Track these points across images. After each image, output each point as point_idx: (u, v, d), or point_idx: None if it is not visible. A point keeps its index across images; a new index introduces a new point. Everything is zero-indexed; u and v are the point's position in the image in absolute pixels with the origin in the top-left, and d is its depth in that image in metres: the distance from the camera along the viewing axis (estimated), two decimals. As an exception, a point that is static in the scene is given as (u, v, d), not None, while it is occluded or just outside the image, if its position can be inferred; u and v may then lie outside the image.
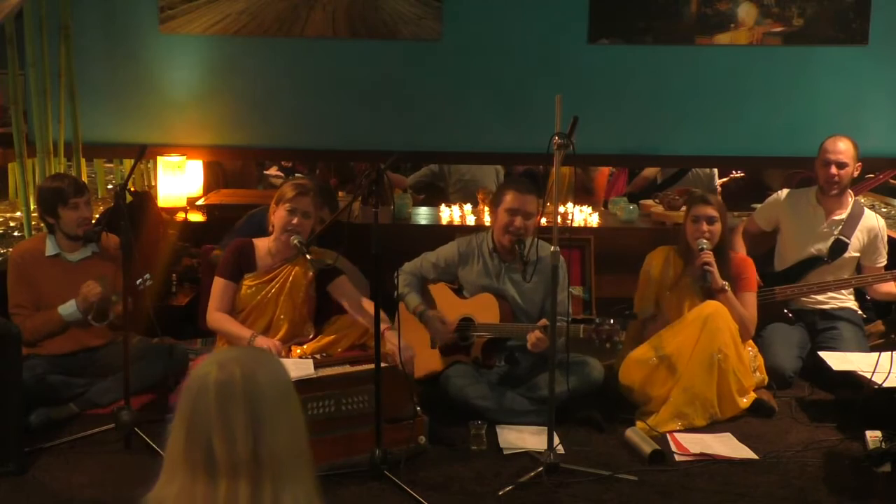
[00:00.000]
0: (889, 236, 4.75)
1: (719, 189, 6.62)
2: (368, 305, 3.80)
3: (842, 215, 4.58)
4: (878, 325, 4.74)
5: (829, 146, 4.54)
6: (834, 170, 4.50)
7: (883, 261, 4.61)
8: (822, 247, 4.57)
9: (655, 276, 4.28)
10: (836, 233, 4.56)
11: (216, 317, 3.90)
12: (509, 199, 4.03)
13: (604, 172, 6.91)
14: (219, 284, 3.93)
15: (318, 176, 6.90)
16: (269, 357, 1.60)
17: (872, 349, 4.24)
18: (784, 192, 4.78)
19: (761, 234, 4.81)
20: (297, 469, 1.52)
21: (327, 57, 5.45)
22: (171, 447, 1.51)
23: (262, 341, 3.76)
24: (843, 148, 4.51)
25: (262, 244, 4.00)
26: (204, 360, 1.55)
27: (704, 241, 4.09)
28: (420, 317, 4.08)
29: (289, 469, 1.50)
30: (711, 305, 4.00)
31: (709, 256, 4.06)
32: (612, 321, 3.75)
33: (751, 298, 4.21)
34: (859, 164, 4.58)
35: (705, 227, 4.11)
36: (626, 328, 3.84)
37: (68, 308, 3.90)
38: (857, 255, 4.58)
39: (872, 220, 4.60)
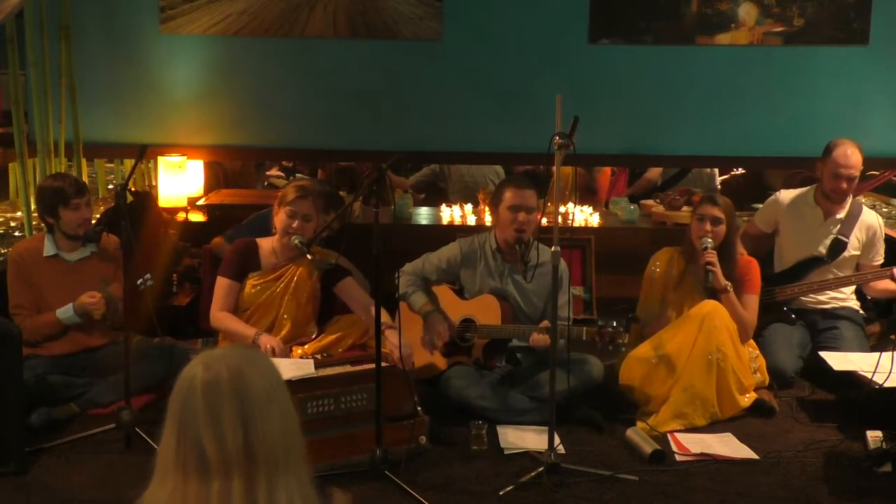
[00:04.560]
0: (888, 235, 4.75)
1: (719, 188, 6.61)
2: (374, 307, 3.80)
3: (840, 215, 4.58)
4: (876, 326, 4.73)
5: (841, 159, 4.43)
6: (845, 184, 4.47)
7: (880, 259, 4.60)
8: (822, 247, 4.56)
9: (659, 277, 4.28)
10: (834, 232, 4.56)
11: (220, 316, 3.90)
12: (509, 196, 4.02)
13: (606, 172, 6.91)
14: (222, 284, 3.93)
15: (325, 181, 6.87)
16: (256, 353, 1.61)
17: (872, 349, 4.24)
18: (782, 193, 4.77)
19: (762, 236, 4.80)
20: (290, 462, 1.53)
21: (327, 57, 5.45)
22: (162, 449, 1.54)
23: (266, 340, 3.75)
24: (854, 162, 4.44)
25: (266, 244, 4.00)
26: (191, 362, 1.56)
27: (708, 239, 4.10)
28: (425, 317, 4.06)
29: (282, 462, 1.51)
30: (709, 305, 4.00)
31: (712, 256, 4.07)
32: (614, 323, 3.75)
33: (752, 301, 4.20)
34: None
35: (709, 226, 4.12)
36: (629, 331, 3.83)
37: (66, 313, 3.89)
38: (857, 253, 4.57)
39: (871, 218, 4.59)
